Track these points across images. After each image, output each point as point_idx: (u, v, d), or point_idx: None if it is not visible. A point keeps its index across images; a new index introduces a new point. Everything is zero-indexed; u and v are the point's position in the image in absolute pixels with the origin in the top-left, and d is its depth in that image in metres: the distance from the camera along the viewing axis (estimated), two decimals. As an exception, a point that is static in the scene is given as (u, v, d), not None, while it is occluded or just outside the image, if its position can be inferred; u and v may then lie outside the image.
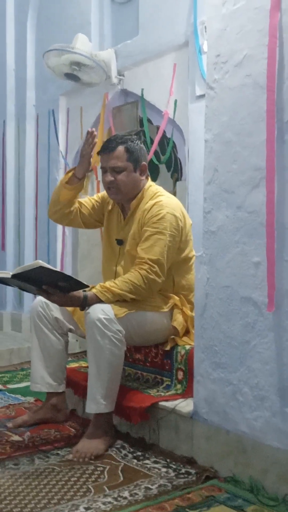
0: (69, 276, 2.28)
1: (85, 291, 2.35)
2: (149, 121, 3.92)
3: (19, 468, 2.12)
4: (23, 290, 2.45)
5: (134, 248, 2.48)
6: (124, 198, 2.55)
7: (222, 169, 2.06)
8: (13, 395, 3.16)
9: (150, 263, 2.36)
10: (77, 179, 2.60)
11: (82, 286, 2.27)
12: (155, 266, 2.35)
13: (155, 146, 3.78)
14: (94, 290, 2.34)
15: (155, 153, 3.85)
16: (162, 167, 4.41)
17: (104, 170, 2.52)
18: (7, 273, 2.26)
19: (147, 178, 2.59)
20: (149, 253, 2.37)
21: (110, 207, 2.68)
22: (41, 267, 2.14)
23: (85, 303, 2.32)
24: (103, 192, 2.71)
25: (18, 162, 5.13)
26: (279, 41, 1.83)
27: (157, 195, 2.52)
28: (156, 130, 3.83)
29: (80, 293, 2.32)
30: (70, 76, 4.05)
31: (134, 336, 2.40)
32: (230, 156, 2.02)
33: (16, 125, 5.14)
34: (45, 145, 4.86)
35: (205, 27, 3.11)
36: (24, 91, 4.99)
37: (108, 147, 2.49)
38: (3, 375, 3.67)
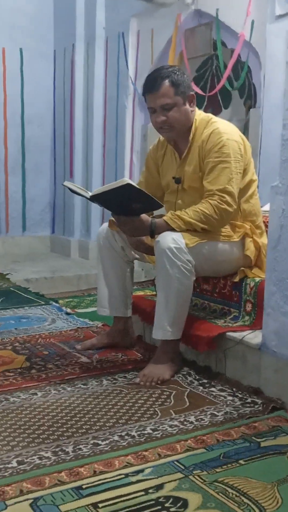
0: (148, 195, 2.24)
1: (154, 217, 2.33)
2: (223, 44, 3.74)
3: (88, 388, 2.19)
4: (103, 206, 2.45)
5: (197, 182, 2.40)
6: (179, 134, 2.43)
7: (304, 93, 1.94)
8: (81, 319, 3.24)
9: (219, 193, 2.29)
10: None
11: (157, 205, 2.30)
12: (225, 195, 2.28)
13: (228, 71, 3.62)
14: (165, 218, 2.31)
15: (228, 78, 3.70)
16: (235, 94, 4.22)
17: (153, 110, 2.38)
18: (87, 193, 2.29)
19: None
20: (216, 184, 2.30)
21: (163, 151, 2.58)
22: (129, 184, 2.12)
23: (153, 230, 2.30)
24: (147, 154, 2.66)
25: (87, 87, 5.05)
26: None
27: (211, 123, 2.39)
28: (230, 54, 3.65)
29: (147, 220, 2.30)
30: (142, -5, 3.89)
31: (204, 266, 2.37)
32: (314, 79, 1.90)
33: (85, 49, 5.02)
34: (115, 70, 4.75)
35: None
36: (94, 12, 4.84)
37: (153, 86, 2.34)
38: (71, 299, 3.77)
